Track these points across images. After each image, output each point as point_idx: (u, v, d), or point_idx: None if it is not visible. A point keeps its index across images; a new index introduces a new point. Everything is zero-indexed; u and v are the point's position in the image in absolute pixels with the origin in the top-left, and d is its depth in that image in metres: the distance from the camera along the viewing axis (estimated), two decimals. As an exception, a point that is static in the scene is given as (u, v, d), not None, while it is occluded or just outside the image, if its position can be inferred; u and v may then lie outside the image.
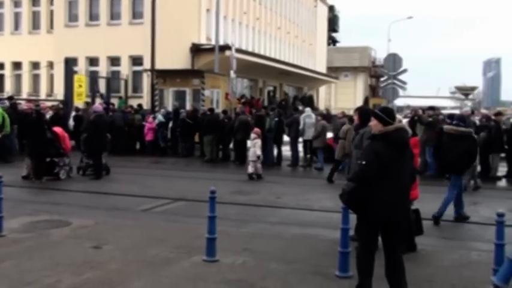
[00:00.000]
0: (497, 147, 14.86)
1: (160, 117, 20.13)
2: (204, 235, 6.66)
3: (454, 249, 7.46)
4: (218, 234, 6.62)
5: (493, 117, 16.18)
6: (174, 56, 24.30)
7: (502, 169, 15.32)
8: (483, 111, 34.56)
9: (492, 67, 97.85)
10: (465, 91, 79.19)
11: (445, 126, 9.76)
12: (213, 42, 24.64)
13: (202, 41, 26.06)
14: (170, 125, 19.85)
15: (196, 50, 25.15)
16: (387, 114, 5.43)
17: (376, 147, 5.33)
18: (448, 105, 64.56)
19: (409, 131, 5.58)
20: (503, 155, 15.49)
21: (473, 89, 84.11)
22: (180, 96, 23.44)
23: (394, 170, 5.20)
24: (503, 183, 14.86)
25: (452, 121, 9.68)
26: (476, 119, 19.12)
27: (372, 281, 5.38)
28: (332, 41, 60.68)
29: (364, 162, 5.32)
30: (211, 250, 6.59)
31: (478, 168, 15.13)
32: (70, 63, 23.66)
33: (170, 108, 21.25)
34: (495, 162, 14.97)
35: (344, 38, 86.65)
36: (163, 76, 23.90)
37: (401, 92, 20.99)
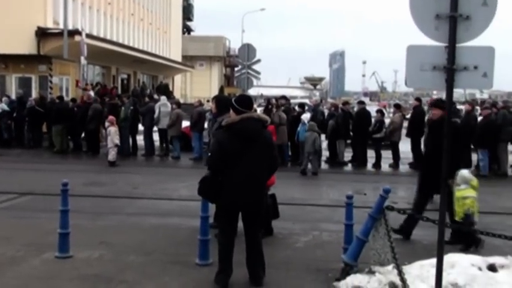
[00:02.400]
0: (343, 134, 15.86)
1: (3, 106, 18.56)
2: (55, 230, 6.26)
3: (308, 231, 7.82)
4: (71, 229, 6.27)
5: (340, 106, 17.24)
6: (16, 40, 22.40)
7: (348, 155, 16.38)
8: (331, 100, 36.90)
9: (337, 59, 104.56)
10: (313, 81, 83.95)
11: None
12: (61, 26, 23.16)
13: (49, 24, 24.34)
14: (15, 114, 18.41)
15: (43, 34, 23.40)
16: (239, 103, 5.44)
17: (220, 138, 5.39)
18: (299, 95, 67.73)
19: (267, 119, 5.63)
20: (349, 141, 16.55)
21: (321, 79, 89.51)
22: (25, 84, 21.92)
23: (242, 160, 5.23)
24: (348, 167, 15.92)
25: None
26: (325, 108, 20.28)
27: (232, 267, 5.44)
28: (187, 29, 60.47)
29: (209, 154, 5.41)
30: (64, 246, 6.21)
31: (326, 153, 16.11)
32: None
33: (14, 96, 19.70)
34: (341, 148, 15.97)
35: (199, 28, 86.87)
36: (4, 61, 22.22)
37: (255, 82, 21.58)
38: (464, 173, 6.83)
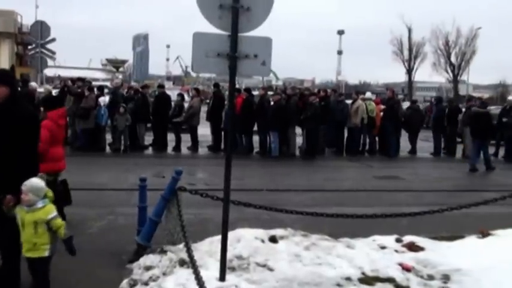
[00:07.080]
0: (143, 118, 15.79)
1: None
2: None
3: (103, 216, 7.72)
4: None
5: (140, 89, 17.15)
6: None
7: (148, 138, 16.39)
8: (133, 83, 36.37)
9: (141, 42, 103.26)
10: (116, 64, 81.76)
11: (473, 108, 15.47)
12: None
13: None
14: None
15: None
16: None
17: None
18: (100, 77, 65.40)
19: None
20: (149, 125, 16.55)
21: (123, 62, 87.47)
22: None
23: None
24: (149, 151, 15.95)
25: (480, 104, 15.24)
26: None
27: None
28: (-29, 1, 54.33)
29: None
30: None
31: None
32: None
33: None
34: (142, 132, 15.89)
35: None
36: None
37: (52, 62, 20.44)
38: (36, 182, 4.58)
